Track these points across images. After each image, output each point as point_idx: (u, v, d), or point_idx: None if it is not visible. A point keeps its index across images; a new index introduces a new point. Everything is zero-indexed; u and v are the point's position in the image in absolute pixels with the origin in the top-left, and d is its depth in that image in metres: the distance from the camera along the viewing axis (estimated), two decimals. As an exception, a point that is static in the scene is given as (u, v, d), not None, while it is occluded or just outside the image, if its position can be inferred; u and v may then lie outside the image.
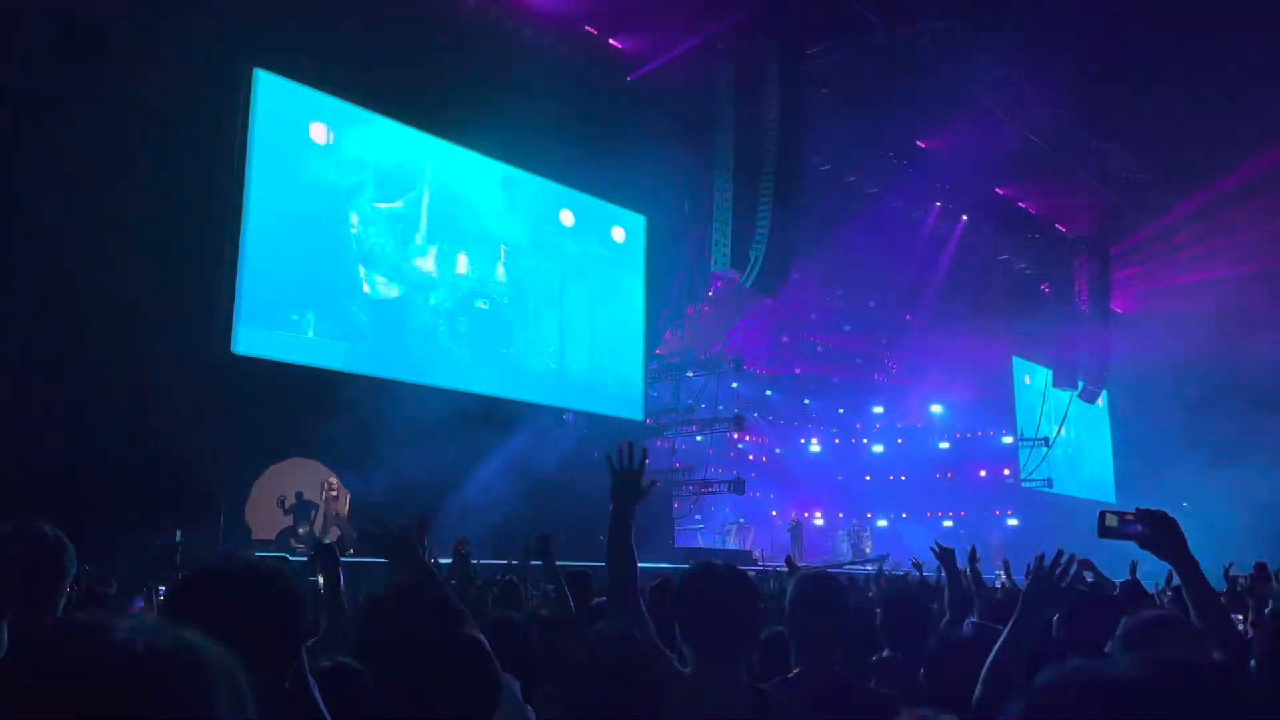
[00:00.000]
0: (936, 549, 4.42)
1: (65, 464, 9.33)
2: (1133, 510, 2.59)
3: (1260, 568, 3.42)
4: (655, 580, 4.83)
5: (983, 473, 27.16)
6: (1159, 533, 2.44)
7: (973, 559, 6.68)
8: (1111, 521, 2.58)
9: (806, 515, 23.54)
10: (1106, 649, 3.20)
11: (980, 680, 2.11)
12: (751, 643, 2.09)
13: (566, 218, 17.41)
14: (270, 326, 12.96)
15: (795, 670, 2.24)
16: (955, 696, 2.88)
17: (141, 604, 4.90)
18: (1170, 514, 2.55)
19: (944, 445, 28.13)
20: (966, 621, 3.70)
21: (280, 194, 13.25)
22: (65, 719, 0.68)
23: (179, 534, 8.57)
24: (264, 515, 12.01)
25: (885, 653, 3.41)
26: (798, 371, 26.52)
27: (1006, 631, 2.19)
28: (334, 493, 12.43)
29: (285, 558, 9.36)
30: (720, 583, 2.14)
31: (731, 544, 20.78)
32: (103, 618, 0.75)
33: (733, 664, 2.06)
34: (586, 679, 1.93)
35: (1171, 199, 20.05)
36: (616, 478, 2.53)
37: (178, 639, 0.74)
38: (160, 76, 11.01)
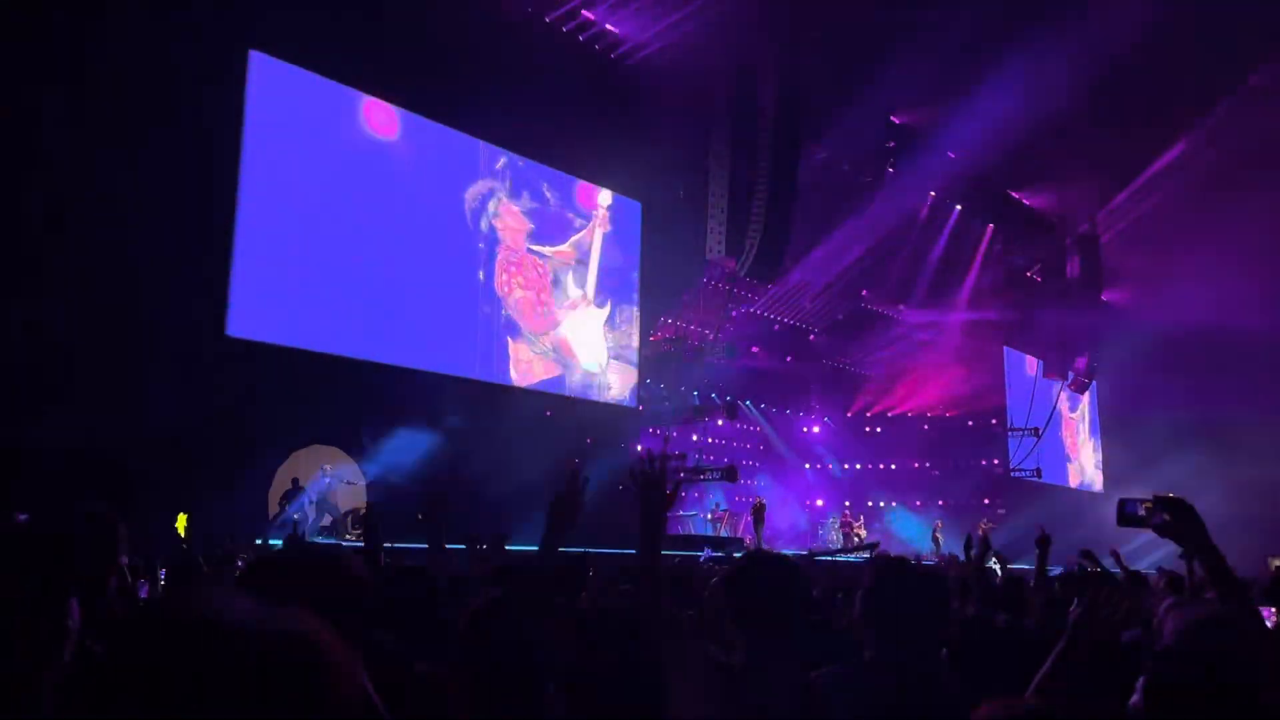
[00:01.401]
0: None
1: (64, 449, 9.27)
2: (1151, 498, 2.59)
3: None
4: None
5: (973, 461, 27.25)
6: (1179, 521, 2.43)
7: (968, 547, 6.75)
8: (1132, 510, 2.58)
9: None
10: (1127, 635, 3.24)
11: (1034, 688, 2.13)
12: (801, 632, 2.10)
13: (565, 203, 17.38)
14: (275, 311, 12.88)
15: (867, 656, 2.24)
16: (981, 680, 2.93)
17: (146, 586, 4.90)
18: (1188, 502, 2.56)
19: (934, 434, 28.22)
20: (999, 616, 3.74)
21: (277, 177, 13.19)
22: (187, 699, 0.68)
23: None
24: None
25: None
26: (790, 359, 26.56)
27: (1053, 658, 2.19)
28: (327, 479, 12.43)
29: (340, 544, 9.36)
30: (773, 572, 2.15)
31: (723, 531, 20.85)
32: (212, 597, 0.75)
33: (785, 653, 2.07)
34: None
35: (1165, 189, 20.14)
36: (641, 488, 2.44)
37: (286, 619, 0.75)
38: (157, 56, 10.93)
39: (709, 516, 21.53)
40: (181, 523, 7.67)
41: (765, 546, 19.18)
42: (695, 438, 23.16)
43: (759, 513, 19.40)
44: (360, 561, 1.66)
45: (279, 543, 9.32)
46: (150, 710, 0.68)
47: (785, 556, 2.24)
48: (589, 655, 1.97)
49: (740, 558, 2.29)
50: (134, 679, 0.69)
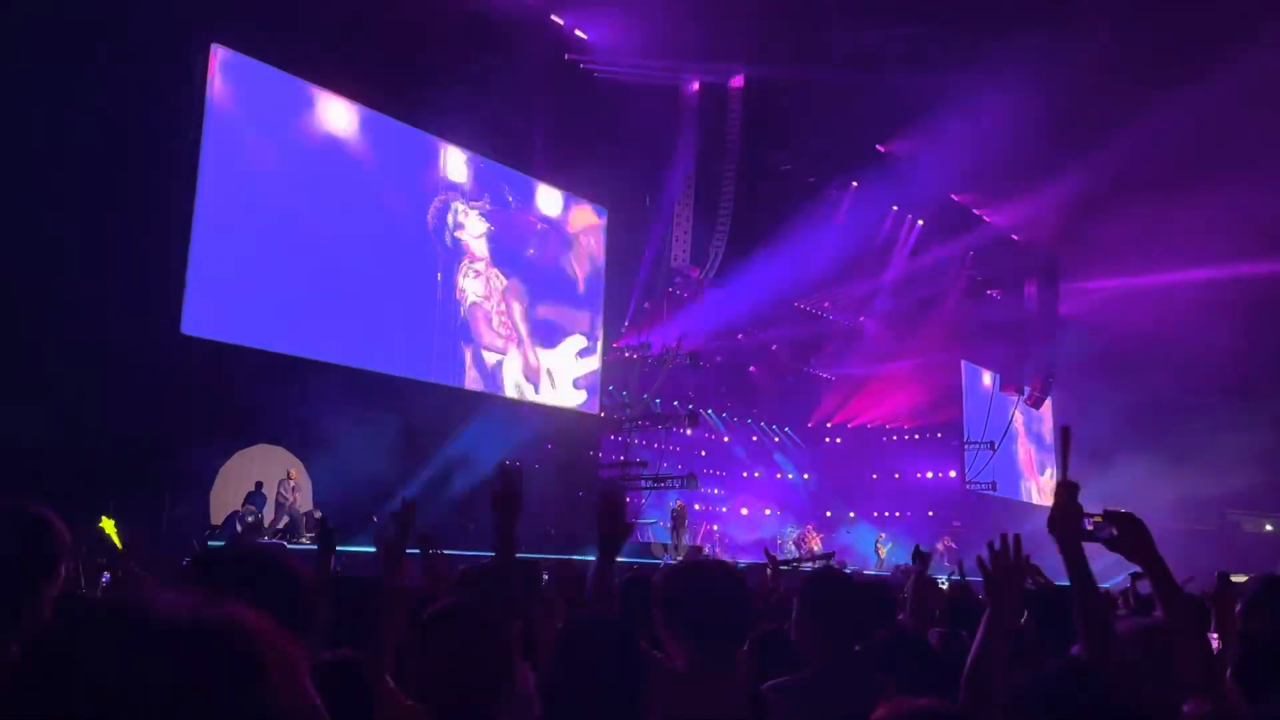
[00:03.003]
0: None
1: (15, 446, 9.04)
2: (1100, 513, 2.62)
3: (1222, 577, 3.50)
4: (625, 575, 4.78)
5: (929, 474, 27.51)
6: (1128, 535, 2.46)
7: (915, 557, 6.83)
8: (1083, 525, 2.61)
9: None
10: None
11: (964, 684, 2.09)
12: (745, 640, 2.08)
13: (530, 208, 17.33)
14: (226, 308, 12.68)
15: (808, 669, 2.21)
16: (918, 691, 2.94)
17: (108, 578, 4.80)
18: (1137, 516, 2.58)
19: (892, 445, 28.46)
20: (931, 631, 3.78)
21: (237, 173, 13.02)
22: (115, 696, 0.64)
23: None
24: (231, 500, 11.82)
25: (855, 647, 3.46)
26: (752, 369, 26.66)
27: (981, 630, 2.12)
28: (292, 482, 12.26)
29: (284, 545, 9.19)
30: (714, 578, 2.12)
31: (685, 538, 20.84)
32: (139, 593, 0.71)
33: (729, 662, 2.04)
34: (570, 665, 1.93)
35: (1121, 208, 20.48)
36: (605, 532, 2.45)
37: (223, 612, 0.71)
38: (116, 49, 10.75)
39: (668, 524, 21.49)
40: (108, 526, 7.47)
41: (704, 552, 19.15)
42: (656, 444, 23.16)
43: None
44: (298, 560, 1.62)
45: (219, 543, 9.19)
46: (74, 709, 0.64)
47: (725, 563, 2.21)
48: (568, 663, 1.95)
49: (678, 564, 2.27)
50: (56, 676, 0.65)
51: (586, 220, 18.38)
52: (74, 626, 0.68)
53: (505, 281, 16.82)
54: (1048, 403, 29.10)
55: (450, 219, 15.97)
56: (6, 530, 1.68)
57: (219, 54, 12.87)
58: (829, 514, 26.73)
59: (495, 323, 16.55)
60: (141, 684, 0.64)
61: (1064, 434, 2.70)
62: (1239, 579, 3.77)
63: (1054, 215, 22.79)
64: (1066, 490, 2.31)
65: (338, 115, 14.44)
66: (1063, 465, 2.48)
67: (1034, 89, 16.54)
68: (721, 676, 1.99)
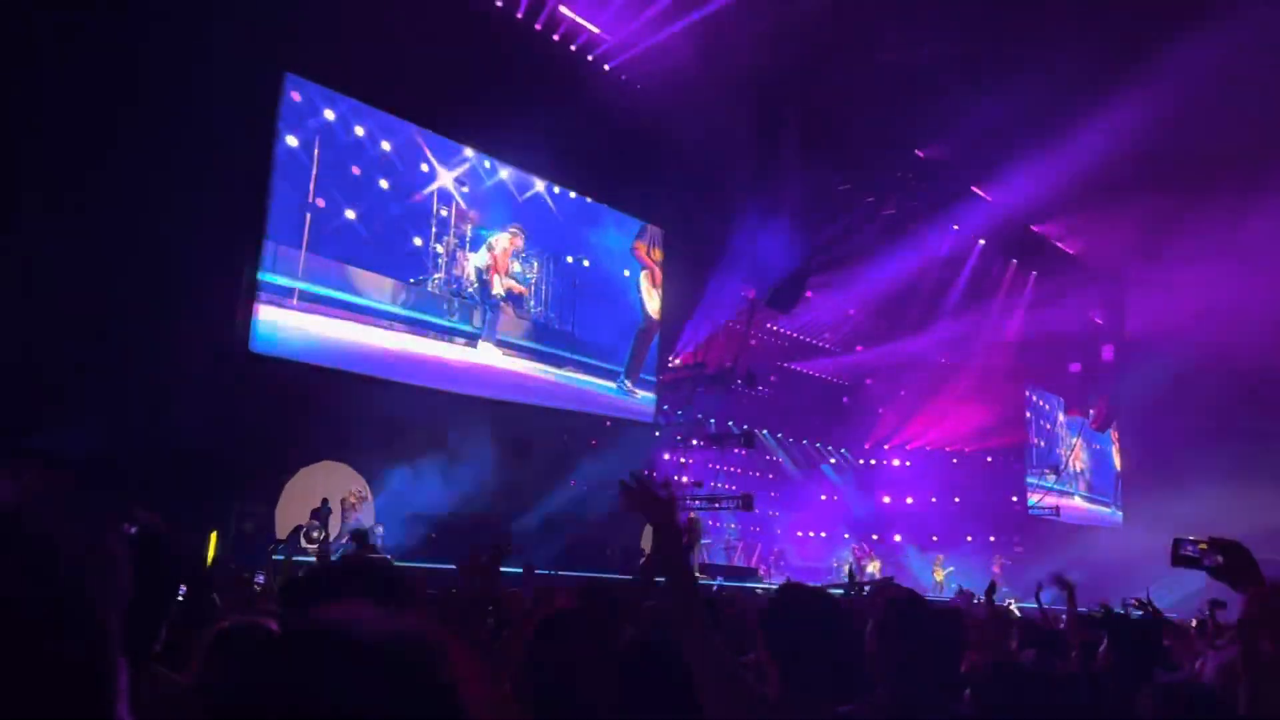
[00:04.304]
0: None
1: (84, 461, 9.31)
2: (1206, 540, 2.57)
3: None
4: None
5: (1000, 497, 26.94)
6: (1234, 563, 2.41)
7: (990, 591, 6.81)
8: (1187, 551, 2.57)
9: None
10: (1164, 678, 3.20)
11: None
12: (841, 667, 2.07)
13: (591, 227, 17.50)
14: (293, 327, 12.98)
15: (881, 694, 2.20)
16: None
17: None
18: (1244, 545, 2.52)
19: (952, 469, 27.99)
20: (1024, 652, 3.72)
21: (307, 196, 13.35)
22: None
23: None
24: (297, 515, 12.05)
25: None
26: (809, 390, 26.47)
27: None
28: (352, 500, 12.45)
29: (389, 559, 9.36)
30: (813, 606, 2.13)
31: (738, 560, 20.74)
32: (338, 613, 0.74)
33: (821, 690, 2.04)
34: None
35: (1188, 224, 19.98)
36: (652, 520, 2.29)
37: (420, 631, 0.75)
38: (190, 75, 11.08)
39: (721, 545, 21.40)
40: (212, 543, 7.67)
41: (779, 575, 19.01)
42: (712, 465, 23.10)
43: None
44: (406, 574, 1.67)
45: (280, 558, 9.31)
46: None
47: (823, 590, 2.21)
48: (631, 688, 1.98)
49: (779, 590, 2.27)
50: (279, 698, 0.69)
51: (646, 240, 18.48)
52: (286, 649, 0.71)
53: (572, 300, 17.00)
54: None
55: (513, 240, 16.20)
56: (150, 544, 1.73)
57: (292, 80, 13.25)
58: (886, 537, 26.35)
59: (556, 339, 16.70)
60: (359, 702, 0.67)
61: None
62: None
63: (1125, 239, 22.32)
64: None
65: (407, 141, 14.74)
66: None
67: (1105, 108, 16.27)
68: (811, 702, 1.99)
